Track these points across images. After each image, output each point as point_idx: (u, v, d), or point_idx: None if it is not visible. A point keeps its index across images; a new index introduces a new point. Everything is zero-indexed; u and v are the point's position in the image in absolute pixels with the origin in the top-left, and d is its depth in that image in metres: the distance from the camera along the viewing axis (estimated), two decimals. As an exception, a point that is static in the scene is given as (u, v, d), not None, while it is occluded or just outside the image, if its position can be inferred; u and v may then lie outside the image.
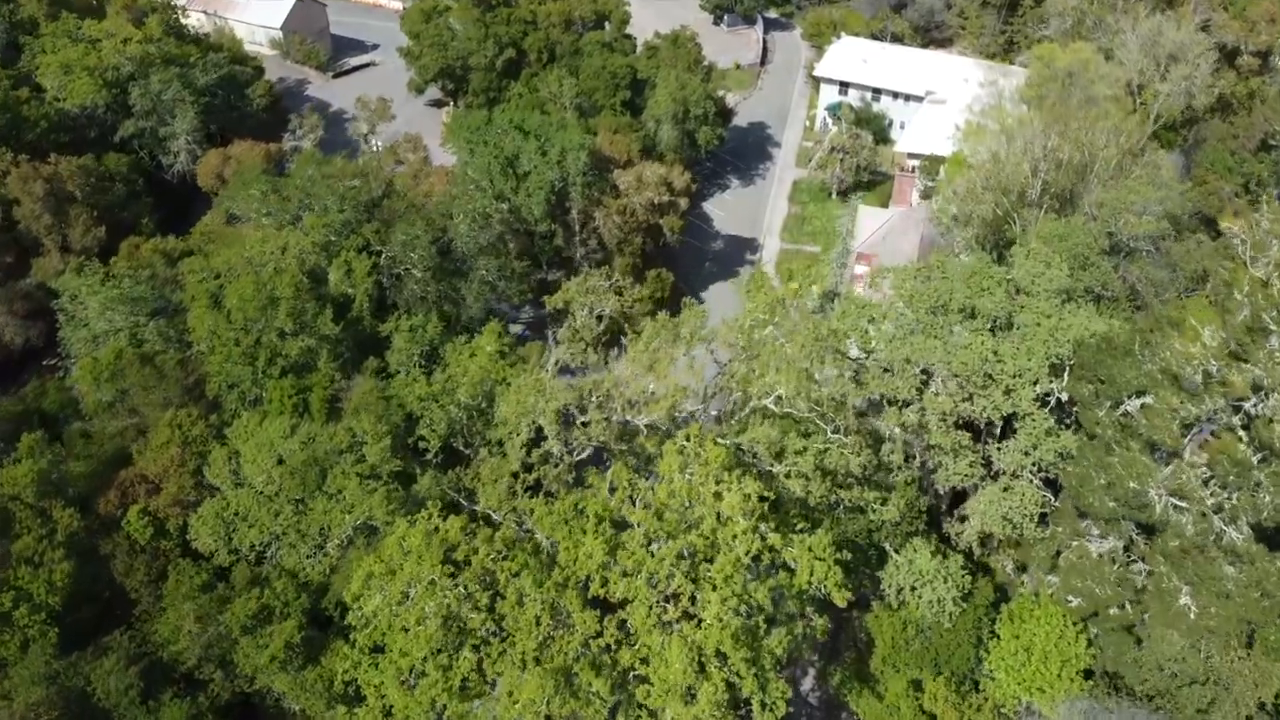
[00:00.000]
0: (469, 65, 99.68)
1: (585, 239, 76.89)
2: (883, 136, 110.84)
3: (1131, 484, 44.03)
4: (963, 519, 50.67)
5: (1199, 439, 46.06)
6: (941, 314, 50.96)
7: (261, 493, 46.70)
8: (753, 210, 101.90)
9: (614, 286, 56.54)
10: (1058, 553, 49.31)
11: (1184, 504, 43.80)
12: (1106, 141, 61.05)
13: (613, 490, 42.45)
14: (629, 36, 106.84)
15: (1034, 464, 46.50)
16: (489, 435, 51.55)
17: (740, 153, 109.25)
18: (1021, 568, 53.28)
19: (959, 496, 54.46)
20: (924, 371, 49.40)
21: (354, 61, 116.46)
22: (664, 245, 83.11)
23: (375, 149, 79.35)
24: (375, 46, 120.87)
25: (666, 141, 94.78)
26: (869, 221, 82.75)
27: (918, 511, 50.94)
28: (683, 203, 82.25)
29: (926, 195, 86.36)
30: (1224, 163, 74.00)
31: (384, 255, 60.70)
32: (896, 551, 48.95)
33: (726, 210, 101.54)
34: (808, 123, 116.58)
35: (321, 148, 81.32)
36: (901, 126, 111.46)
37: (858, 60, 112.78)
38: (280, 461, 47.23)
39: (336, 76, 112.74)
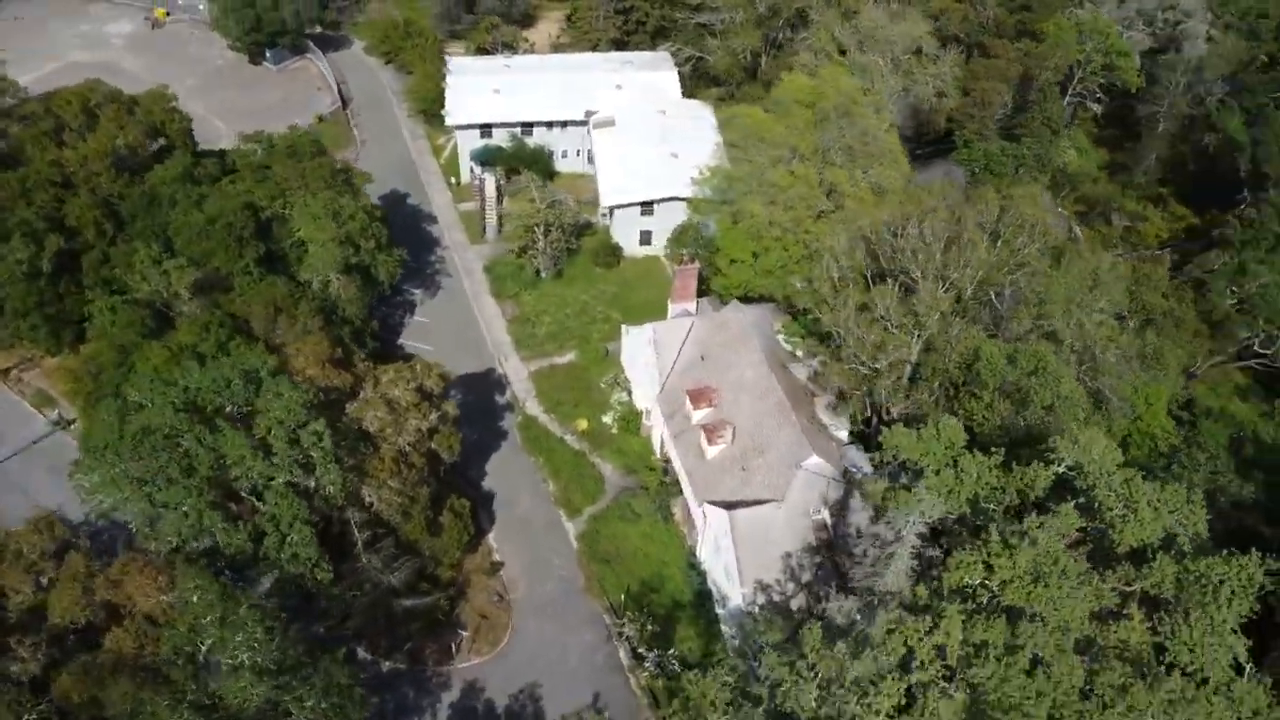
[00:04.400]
0: (-5, 280, 64.86)
1: (367, 536, 52.58)
2: (548, 171, 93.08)
3: None
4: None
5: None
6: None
7: None
8: (462, 326, 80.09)
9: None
10: None
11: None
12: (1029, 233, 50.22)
13: None
14: (209, 153, 76.77)
15: None
16: None
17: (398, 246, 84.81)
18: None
19: None
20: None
21: None
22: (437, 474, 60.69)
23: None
24: None
25: (344, 296, 69.61)
26: (664, 343, 66.02)
27: None
28: (450, 408, 59.97)
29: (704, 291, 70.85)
30: (995, 158, 67.72)
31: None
32: None
33: (433, 339, 78.71)
34: (453, 179, 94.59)
35: None
36: (564, 155, 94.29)
37: (488, 93, 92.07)
38: None
39: None
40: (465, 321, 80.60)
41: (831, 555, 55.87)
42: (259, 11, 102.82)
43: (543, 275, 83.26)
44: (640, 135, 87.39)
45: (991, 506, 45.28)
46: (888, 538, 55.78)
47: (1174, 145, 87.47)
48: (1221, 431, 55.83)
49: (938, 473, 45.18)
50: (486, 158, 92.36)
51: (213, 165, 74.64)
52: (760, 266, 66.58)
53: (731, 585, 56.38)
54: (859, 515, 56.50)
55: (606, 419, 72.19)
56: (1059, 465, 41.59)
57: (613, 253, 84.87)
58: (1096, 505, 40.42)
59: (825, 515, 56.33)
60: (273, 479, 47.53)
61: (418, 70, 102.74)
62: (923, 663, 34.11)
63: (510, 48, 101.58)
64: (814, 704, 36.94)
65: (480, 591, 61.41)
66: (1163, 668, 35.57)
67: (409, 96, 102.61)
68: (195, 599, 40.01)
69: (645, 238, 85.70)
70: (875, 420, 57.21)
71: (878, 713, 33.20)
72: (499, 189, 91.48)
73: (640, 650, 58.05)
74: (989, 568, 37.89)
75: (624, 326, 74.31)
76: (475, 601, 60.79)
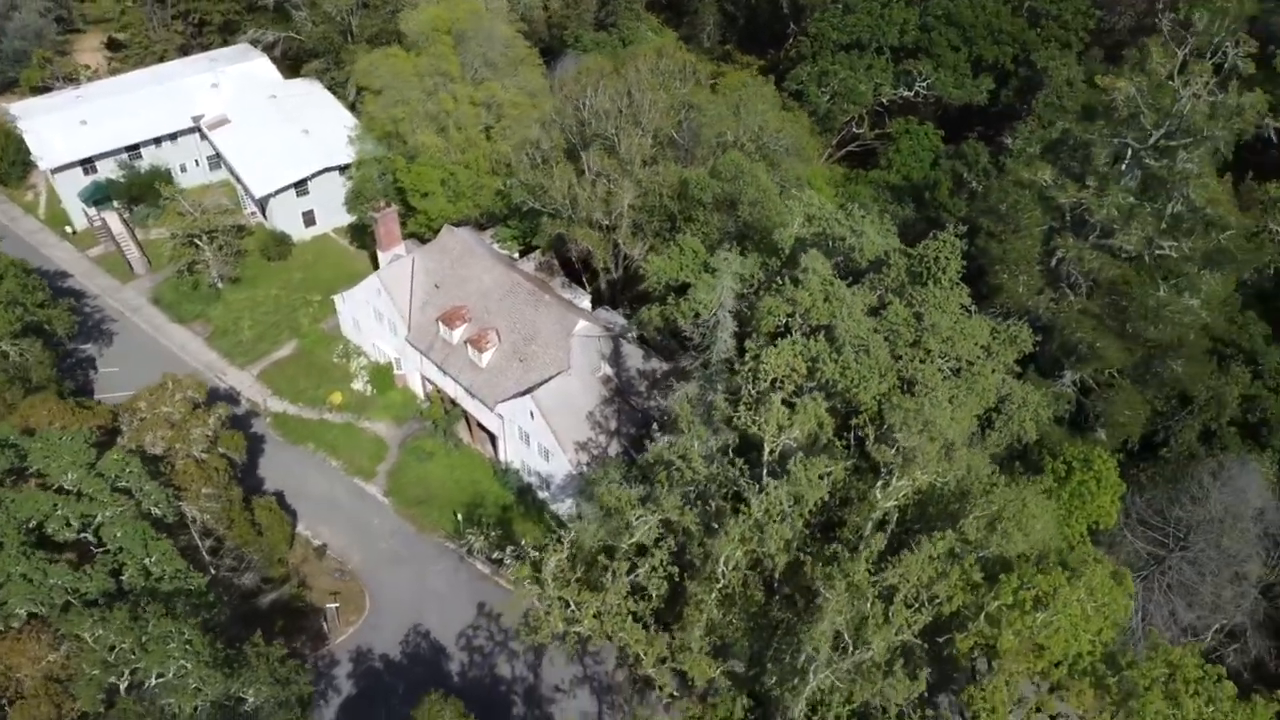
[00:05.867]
0: None
1: (210, 544, 50.23)
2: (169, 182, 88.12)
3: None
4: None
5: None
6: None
7: None
8: (157, 361, 74.27)
9: None
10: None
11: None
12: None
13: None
14: None
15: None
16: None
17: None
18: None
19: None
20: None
21: None
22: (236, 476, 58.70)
23: None
24: None
25: (30, 360, 63.19)
26: (393, 287, 67.60)
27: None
28: (223, 410, 58.02)
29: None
30: (605, 44, 75.82)
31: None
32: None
33: (134, 383, 72.43)
34: (67, 228, 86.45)
35: None
36: (183, 169, 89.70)
37: (75, 127, 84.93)
38: None
39: None
40: (158, 356, 75.60)
41: (625, 400, 62.57)
42: None
43: (220, 285, 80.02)
44: (261, 124, 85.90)
45: (748, 290, 54.19)
46: (661, 370, 63.52)
47: (723, 9, 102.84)
48: (865, 190, 70.08)
49: (699, 277, 53.05)
50: (98, 195, 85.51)
51: None
52: (452, 191, 70.14)
53: (555, 461, 61.09)
54: (633, 359, 63.66)
55: (357, 385, 72.60)
56: (795, 224, 51.11)
57: (281, 242, 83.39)
58: (831, 242, 50.59)
59: (606, 369, 62.71)
60: (94, 516, 44.30)
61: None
62: (784, 381, 41.90)
63: (73, 80, 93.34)
64: (703, 466, 43.48)
65: (320, 575, 60.70)
66: (928, 325, 46.60)
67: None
68: (99, 633, 37.17)
69: (309, 218, 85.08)
70: (620, 275, 64.10)
71: (772, 425, 40.45)
72: (126, 222, 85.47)
73: (494, 556, 61.08)
74: (791, 303, 46.47)
75: (336, 296, 74.56)
76: (320, 584, 60.09)
